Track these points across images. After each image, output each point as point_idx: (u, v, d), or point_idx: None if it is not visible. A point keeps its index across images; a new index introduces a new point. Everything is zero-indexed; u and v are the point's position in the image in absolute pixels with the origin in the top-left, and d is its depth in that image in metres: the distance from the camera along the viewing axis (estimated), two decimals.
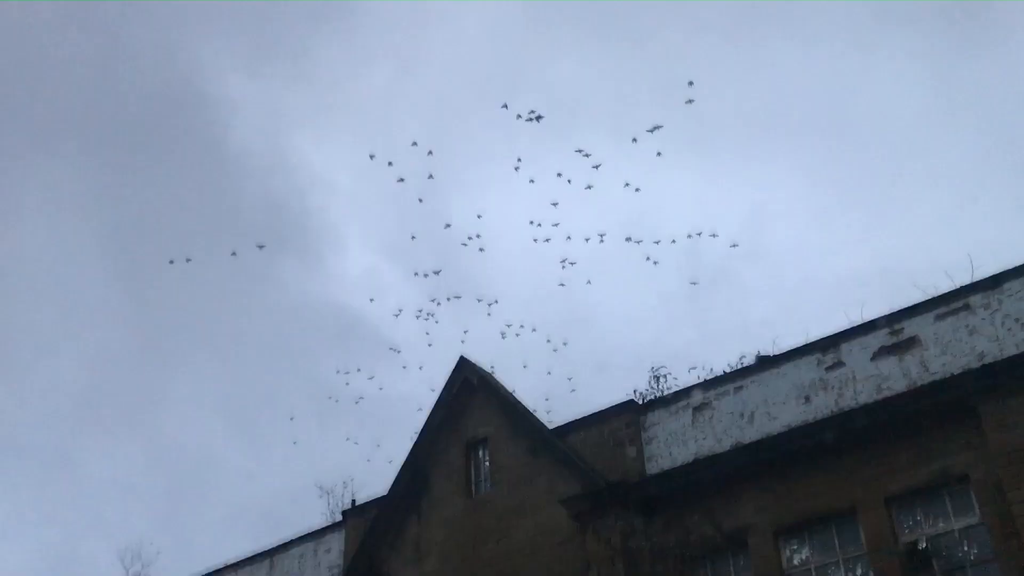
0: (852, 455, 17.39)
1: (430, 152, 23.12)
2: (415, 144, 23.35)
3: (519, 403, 22.49)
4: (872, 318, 18.71)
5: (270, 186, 51.57)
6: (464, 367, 23.15)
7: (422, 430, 23.08)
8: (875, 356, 18.33)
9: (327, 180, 53.15)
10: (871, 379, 18.22)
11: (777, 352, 19.79)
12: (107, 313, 53.70)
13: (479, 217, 25.27)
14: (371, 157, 23.79)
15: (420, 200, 24.59)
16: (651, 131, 22.01)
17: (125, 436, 55.30)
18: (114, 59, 48.23)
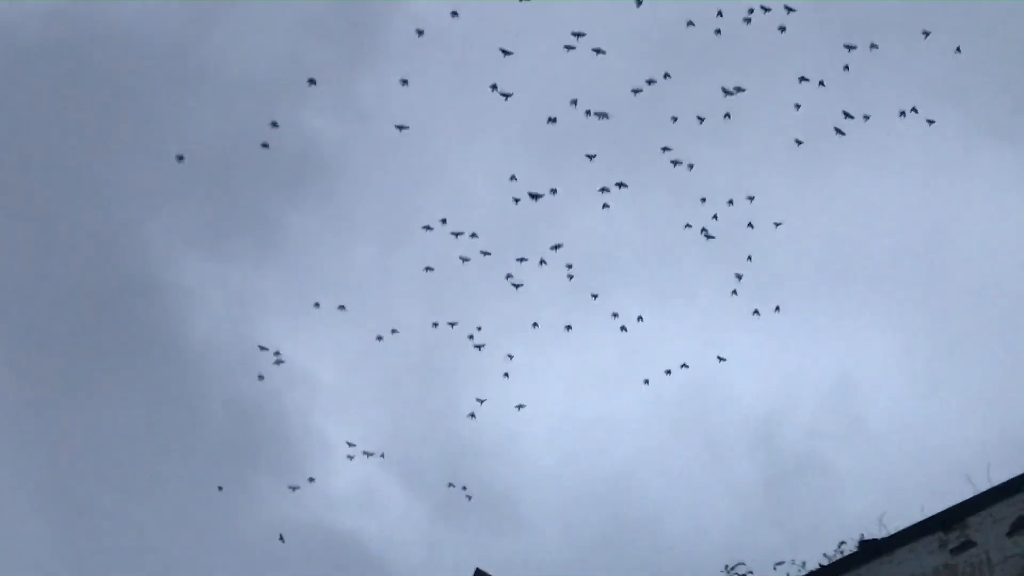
0: None
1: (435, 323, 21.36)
2: (437, 324, 21.34)
3: None
4: (1002, 481, 15.70)
5: (238, 388, 46.32)
6: None
7: None
8: (1012, 530, 15.34)
9: (306, 375, 47.98)
10: (1011, 560, 15.19)
11: (886, 534, 16.68)
12: (36, 555, 46.89)
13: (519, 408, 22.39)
14: (379, 339, 24.14)
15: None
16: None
17: None
18: (40, 245, 43.25)
